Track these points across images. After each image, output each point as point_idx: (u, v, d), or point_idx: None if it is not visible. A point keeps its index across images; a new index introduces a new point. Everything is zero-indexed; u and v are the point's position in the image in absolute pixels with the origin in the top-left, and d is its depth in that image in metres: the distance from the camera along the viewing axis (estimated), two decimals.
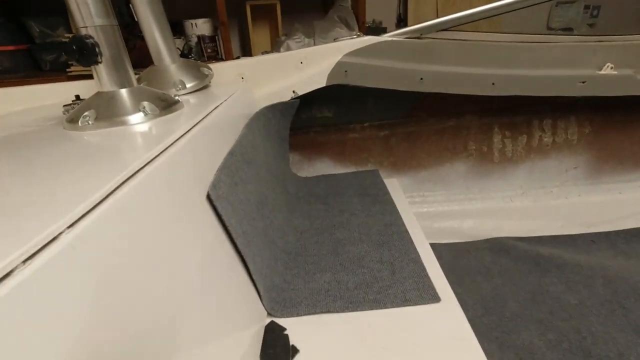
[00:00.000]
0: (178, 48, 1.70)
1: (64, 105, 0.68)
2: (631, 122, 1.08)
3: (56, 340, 0.21)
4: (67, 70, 1.54)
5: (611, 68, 0.89)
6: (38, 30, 1.61)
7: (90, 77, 0.82)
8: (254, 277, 0.52)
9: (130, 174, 0.34)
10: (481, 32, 1.01)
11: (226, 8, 1.66)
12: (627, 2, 2.15)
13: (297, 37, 1.63)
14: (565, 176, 1.13)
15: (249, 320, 0.50)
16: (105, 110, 0.53)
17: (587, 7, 2.11)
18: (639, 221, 1.05)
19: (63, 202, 0.27)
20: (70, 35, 1.51)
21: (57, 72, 1.60)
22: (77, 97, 0.72)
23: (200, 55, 1.76)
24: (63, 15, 1.58)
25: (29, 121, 0.66)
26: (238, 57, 1.75)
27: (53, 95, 0.91)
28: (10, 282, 0.19)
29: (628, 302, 0.82)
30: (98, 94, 0.56)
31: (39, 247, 0.22)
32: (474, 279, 0.94)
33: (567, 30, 2.01)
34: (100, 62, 0.54)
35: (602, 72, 0.90)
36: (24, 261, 0.21)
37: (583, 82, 0.90)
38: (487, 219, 1.11)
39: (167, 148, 0.42)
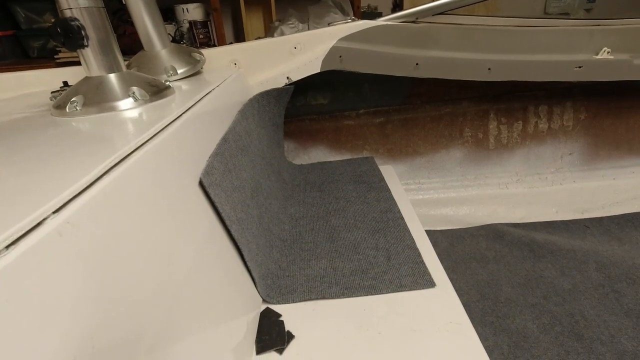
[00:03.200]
0: (169, 34, 1.66)
1: (52, 92, 0.66)
2: (627, 107, 1.08)
3: (43, 329, 0.21)
4: (56, 57, 1.51)
5: (608, 52, 0.89)
6: (24, 15, 1.57)
7: (79, 63, 0.80)
8: (248, 264, 0.52)
9: (119, 159, 0.33)
10: (478, 15, 1.00)
11: None
12: None
13: (291, 22, 1.60)
14: (560, 162, 1.13)
15: (245, 307, 0.49)
16: (94, 96, 0.52)
17: None
18: (633, 207, 1.06)
19: (49, 188, 0.27)
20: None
21: (45, 59, 1.56)
22: (65, 83, 0.71)
23: (192, 41, 1.72)
24: (50, 0, 1.54)
25: (16, 108, 0.64)
26: (231, 43, 1.71)
27: (41, 82, 0.88)
28: None
29: (620, 286, 0.83)
30: (86, 79, 0.55)
31: (23, 232, 0.21)
32: (469, 265, 0.95)
33: (564, 15, 1.99)
34: (87, 46, 0.52)
35: (599, 56, 0.89)
36: (7, 247, 0.20)
37: (579, 67, 0.90)
38: (483, 206, 1.11)
39: (157, 134, 0.41)
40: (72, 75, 0.80)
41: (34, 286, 0.21)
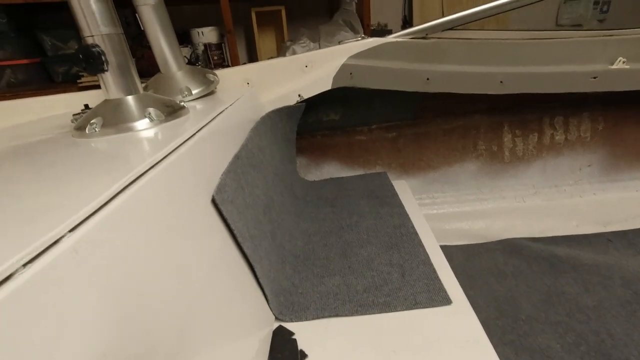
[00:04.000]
0: (185, 56, 1.72)
1: (73, 115, 0.69)
2: None
3: (59, 345, 0.21)
4: (78, 81, 1.58)
5: (623, 62, 0.87)
6: (50, 43, 1.65)
7: (99, 87, 0.84)
8: (261, 281, 0.52)
9: (134, 177, 0.34)
10: (488, 30, 1.00)
11: (232, 15, 1.67)
12: None
13: (302, 41, 1.64)
14: (579, 174, 1.10)
15: (257, 325, 0.49)
16: (112, 117, 0.54)
17: (596, 2, 2.07)
18: None
19: (66, 206, 0.28)
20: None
21: (69, 84, 1.63)
22: (86, 106, 0.73)
23: (207, 62, 1.78)
24: (74, 28, 1.62)
25: (39, 130, 0.67)
26: (244, 64, 1.76)
27: (64, 105, 0.92)
28: (10, 286, 0.19)
29: None
30: (105, 101, 0.57)
31: (40, 250, 0.22)
32: (486, 280, 0.92)
33: (577, 26, 1.98)
34: (107, 70, 0.55)
35: (614, 66, 0.88)
36: (24, 265, 0.21)
37: (595, 78, 0.88)
38: (499, 220, 1.08)
39: (171, 152, 0.42)
40: (92, 98, 0.83)
41: (50, 304, 0.21)
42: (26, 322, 0.20)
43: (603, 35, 0.89)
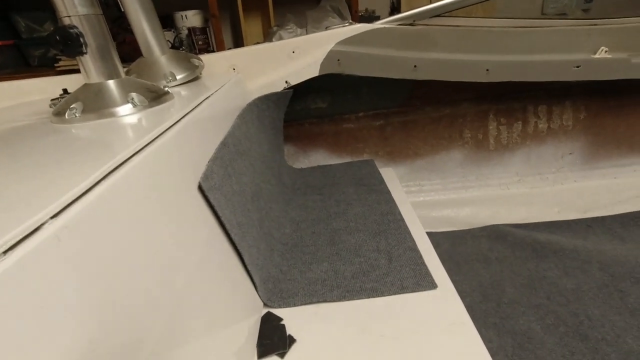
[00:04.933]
0: (168, 41, 1.67)
1: (52, 100, 0.67)
2: (626, 106, 1.08)
3: (41, 334, 0.21)
4: (56, 65, 1.52)
5: (606, 52, 0.89)
6: (24, 25, 1.58)
7: (78, 71, 0.81)
8: (249, 268, 0.52)
9: (117, 164, 0.33)
10: (475, 17, 1.00)
11: None
12: None
13: (289, 27, 1.61)
14: (561, 162, 1.12)
15: (246, 312, 0.49)
16: (93, 102, 0.52)
17: None
18: (635, 205, 1.05)
19: (47, 193, 0.27)
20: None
21: (45, 68, 1.57)
22: (65, 90, 0.71)
23: (191, 47, 1.73)
24: (50, 9, 1.55)
25: (16, 116, 0.64)
26: (230, 49, 1.72)
27: (41, 90, 0.89)
28: None
29: (624, 285, 0.82)
30: (85, 85, 0.55)
31: (20, 237, 0.21)
32: (472, 266, 0.94)
33: (562, 15, 2.00)
34: (86, 53, 0.53)
35: (597, 56, 0.89)
36: (5, 252, 0.20)
37: (578, 67, 0.90)
38: (484, 207, 1.10)
39: (155, 138, 0.41)
40: (71, 83, 0.80)
41: (32, 291, 0.21)
42: (8, 309, 0.19)
43: (586, 25, 0.90)
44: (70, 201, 0.26)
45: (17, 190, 0.28)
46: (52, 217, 0.24)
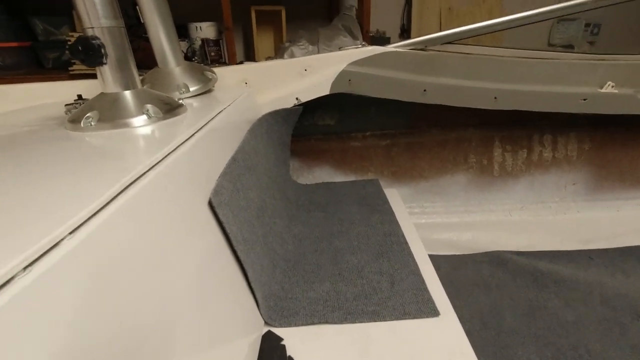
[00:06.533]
0: (182, 50, 1.70)
1: (66, 105, 0.67)
2: (631, 140, 1.08)
3: (57, 347, 0.21)
4: (70, 68, 1.54)
5: (612, 87, 0.90)
6: (42, 27, 1.61)
7: (92, 76, 0.82)
8: (252, 284, 0.52)
9: (134, 178, 0.33)
10: (485, 46, 1.02)
11: (231, 12, 1.66)
12: (627, 21, 2.19)
13: (301, 43, 1.64)
14: (564, 192, 1.13)
15: (246, 329, 0.49)
16: (109, 112, 0.53)
17: (587, 24, 2.14)
18: (637, 239, 1.05)
19: (66, 206, 0.27)
20: (74, 35, 1.51)
21: (58, 70, 1.59)
22: (80, 96, 0.72)
23: (203, 58, 1.76)
24: (67, 14, 1.59)
25: (30, 120, 0.65)
26: (241, 62, 1.75)
27: (54, 94, 0.90)
28: (11, 290, 0.19)
29: (626, 320, 0.82)
30: (101, 95, 0.56)
31: (40, 253, 0.22)
32: (471, 292, 0.94)
33: (568, 47, 2.04)
34: (106, 64, 0.54)
35: (603, 90, 0.90)
36: (25, 268, 0.21)
37: (584, 100, 0.91)
38: (486, 232, 1.10)
39: (170, 153, 0.41)
40: (85, 88, 0.81)
41: (51, 306, 0.21)
42: (27, 324, 0.19)
43: (594, 59, 0.92)
44: (88, 216, 0.26)
45: (37, 200, 0.28)
46: (70, 233, 0.24)
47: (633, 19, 2.09)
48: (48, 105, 0.84)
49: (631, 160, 1.10)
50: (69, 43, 1.50)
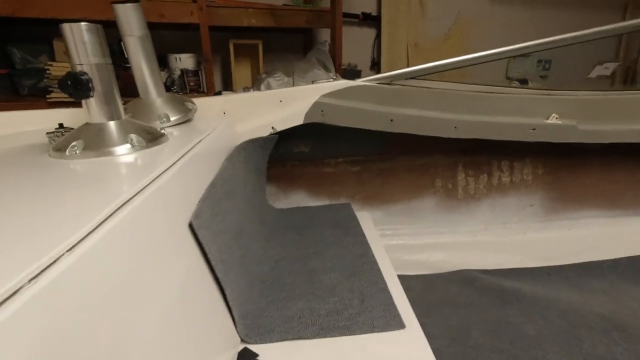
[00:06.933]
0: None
1: (47, 133, 0.69)
2: (577, 165, 1.20)
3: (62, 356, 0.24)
4: (48, 96, 1.55)
5: (556, 118, 1.01)
6: (19, 56, 1.63)
7: (70, 104, 0.84)
8: (230, 303, 0.55)
9: (123, 202, 0.37)
10: (446, 81, 1.12)
11: (210, 45, 1.73)
12: (574, 57, 2.43)
13: (277, 75, 1.72)
14: (523, 213, 1.22)
15: (223, 346, 0.51)
16: (94, 141, 0.56)
17: (540, 60, 2.37)
18: (588, 256, 1.14)
19: (62, 227, 0.30)
20: (53, 64, 1.53)
21: (34, 98, 1.60)
22: (61, 125, 0.74)
23: (182, 87, 1.81)
24: (47, 42, 1.61)
25: (12, 148, 0.67)
26: (219, 92, 1.81)
27: (33, 122, 0.91)
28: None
29: (580, 332, 0.88)
30: (87, 124, 0.59)
31: (42, 268, 0.25)
32: (441, 309, 0.98)
33: (523, 81, 2.23)
34: (92, 96, 0.57)
35: (549, 121, 1.01)
36: (30, 280, 0.24)
37: (533, 129, 1.01)
38: (454, 252, 1.16)
39: (155, 179, 0.45)
40: (63, 117, 0.83)
41: (55, 314, 0.24)
42: (37, 332, 0.22)
43: (541, 94, 1.03)
44: (77, 241, 0.29)
45: (35, 221, 0.31)
46: (68, 250, 0.28)
47: (579, 55, 2.33)
48: (27, 133, 0.86)
49: (578, 183, 1.21)
50: (48, 73, 1.52)
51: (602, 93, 1.07)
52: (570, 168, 1.20)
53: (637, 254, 1.15)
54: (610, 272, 1.10)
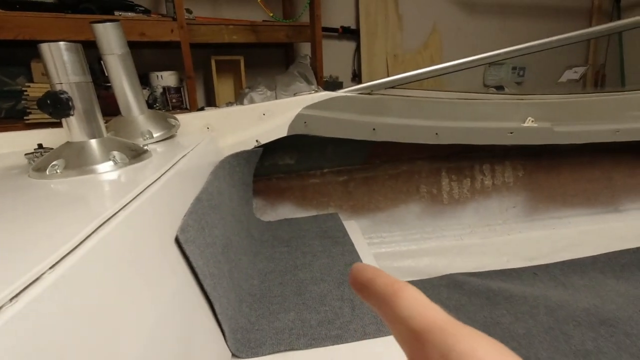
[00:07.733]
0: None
1: (26, 154, 0.68)
2: (555, 166, 1.24)
3: None
4: (25, 118, 1.52)
5: (532, 121, 1.05)
6: None
7: (48, 125, 0.83)
8: (219, 318, 0.54)
9: (106, 218, 0.36)
10: (425, 89, 1.16)
11: (192, 62, 1.74)
12: (546, 63, 2.54)
13: (259, 89, 1.73)
14: (506, 214, 1.24)
15: None
16: (75, 160, 0.56)
17: (514, 68, 2.47)
18: (571, 254, 1.17)
19: (44, 244, 0.30)
20: (31, 85, 1.51)
21: (12, 120, 1.57)
22: (40, 145, 0.73)
23: (165, 104, 1.80)
24: (25, 64, 1.59)
25: None
26: (202, 108, 1.81)
27: (10, 143, 0.90)
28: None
29: (568, 328, 0.90)
30: (67, 144, 0.59)
31: (24, 286, 0.24)
32: None
33: (499, 87, 2.31)
34: (72, 115, 0.57)
35: (525, 124, 1.05)
36: (11, 299, 0.23)
37: (511, 133, 1.05)
38: (442, 257, 1.18)
39: (138, 195, 0.45)
40: (41, 138, 0.81)
41: (36, 335, 0.24)
42: (18, 349, 0.22)
43: (517, 99, 1.07)
44: (63, 255, 0.29)
45: (16, 239, 0.31)
46: (50, 268, 0.27)
47: (551, 61, 2.43)
48: (4, 155, 0.84)
49: (558, 183, 1.25)
50: (26, 94, 1.49)
51: (574, 96, 1.12)
52: (549, 169, 1.24)
53: (617, 249, 1.18)
54: (592, 269, 1.13)
